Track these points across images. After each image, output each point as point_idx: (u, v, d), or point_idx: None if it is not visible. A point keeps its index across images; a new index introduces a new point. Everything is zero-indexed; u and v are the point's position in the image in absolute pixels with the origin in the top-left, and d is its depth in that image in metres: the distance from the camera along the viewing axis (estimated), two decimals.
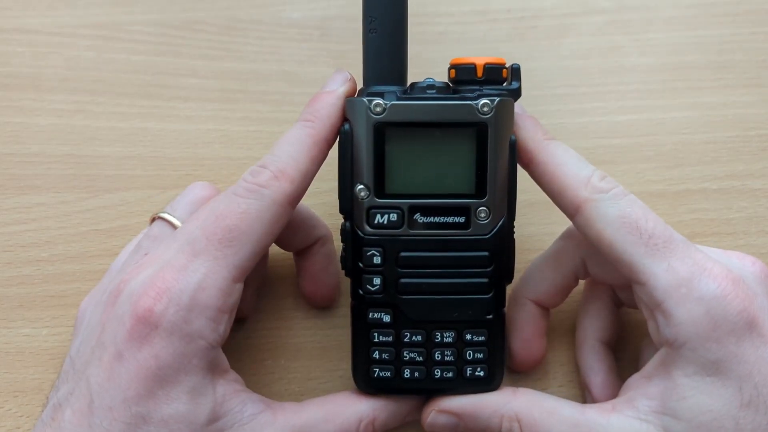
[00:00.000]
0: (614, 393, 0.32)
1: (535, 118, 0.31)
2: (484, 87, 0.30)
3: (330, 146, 0.30)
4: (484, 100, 0.29)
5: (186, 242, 0.28)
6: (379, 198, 0.30)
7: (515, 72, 0.30)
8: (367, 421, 0.30)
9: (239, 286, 0.28)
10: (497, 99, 0.29)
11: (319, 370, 0.36)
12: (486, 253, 0.30)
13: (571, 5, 0.41)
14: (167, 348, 0.26)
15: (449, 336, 0.30)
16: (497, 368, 0.31)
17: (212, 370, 0.28)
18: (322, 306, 0.36)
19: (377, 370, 0.31)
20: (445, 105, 0.29)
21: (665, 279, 0.27)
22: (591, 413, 0.29)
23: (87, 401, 0.26)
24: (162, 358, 0.26)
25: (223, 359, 0.29)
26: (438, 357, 0.31)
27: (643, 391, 0.29)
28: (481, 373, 0.31)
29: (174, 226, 0.31)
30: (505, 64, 0.30)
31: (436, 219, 0.30)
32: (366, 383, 0.31)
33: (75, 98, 0.39)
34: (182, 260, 0.27)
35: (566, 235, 0.33)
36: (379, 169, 0.29)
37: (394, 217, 0.30)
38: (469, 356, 0.31)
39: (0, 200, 0.38)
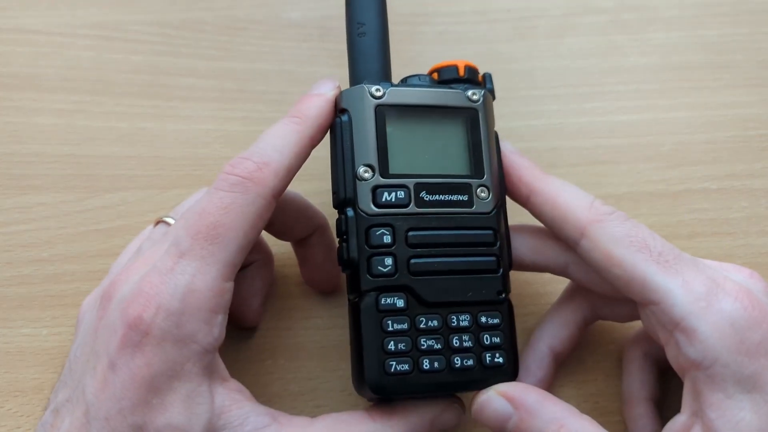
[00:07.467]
0: None
1: (528, 158, 0.31)
2: (466, 86, 0.31)
3: (314, 146, 0.30)
4: (472, 90, 0.31)
5: (172, 243, 0.27)
6: (384, 177, 0.29)
7: (488, 77, 0.33)
8: None
9: (230, 285, 0.27)
10: (483, 90, 0.31)
11: (319, 370, 0.35)
12: (491, 232, 0.30)
13: (571, 5, 0.41)
14: (159, 355, 0.25)
15: (465, 319, 0.29)
16: (514, 356, 0.30)
17: (209, 376, 0.27)
18: (327, 291, 0.36)
19: (394, 363, 0.28)
20: (438, 91, 0.31)
21: (682, 295, 0.26)
22: None
23: (83, 410, 0.26)
24: (155, 365, 0.25)
25: (221, 367, 0.28)
26: (456, 343, 0.29)
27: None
28: (500, 360, 0.29)
29: None
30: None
31: (441, 197, 0.30)
32: (379, 381, 0.28)
33: (75, 98, 0.39)
34: (168, 263, 0.26)
35: (570, 291, 0.33)
36: (383, 150, 0.30)
37: (401, 194, 0.29)
38: (487, 341, 0.30)
39: (0, 200, 0.38)
